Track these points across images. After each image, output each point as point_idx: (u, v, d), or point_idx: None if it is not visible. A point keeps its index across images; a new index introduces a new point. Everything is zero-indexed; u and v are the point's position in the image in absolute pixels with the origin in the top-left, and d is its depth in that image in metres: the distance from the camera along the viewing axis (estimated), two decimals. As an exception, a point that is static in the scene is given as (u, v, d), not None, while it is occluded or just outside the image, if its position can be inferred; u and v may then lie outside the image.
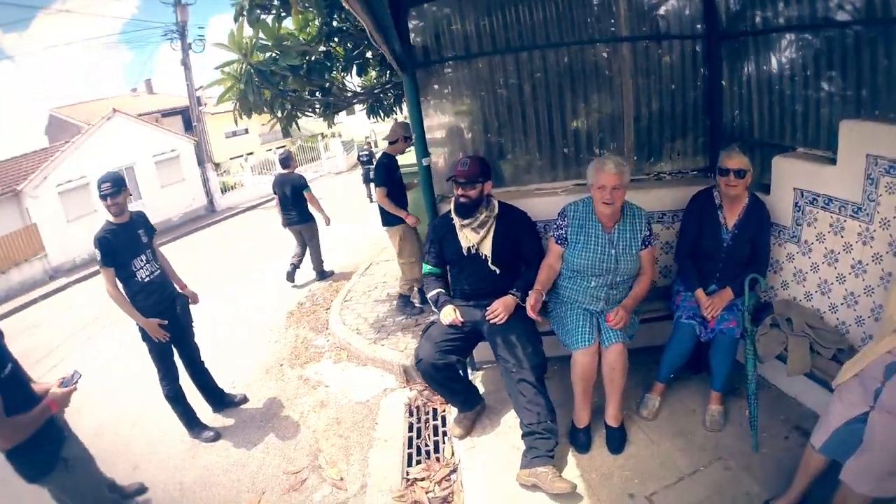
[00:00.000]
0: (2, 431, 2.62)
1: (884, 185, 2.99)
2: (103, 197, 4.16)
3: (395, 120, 7.48)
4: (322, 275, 8.85)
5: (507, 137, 4.60)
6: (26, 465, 2.86)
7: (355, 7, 2.96)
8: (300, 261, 8.80)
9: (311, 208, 8.40)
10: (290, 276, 8.76)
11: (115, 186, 4.16)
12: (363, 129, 28.40)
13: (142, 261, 4.34)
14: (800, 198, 3.55)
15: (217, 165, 24.61)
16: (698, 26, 4.28)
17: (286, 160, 8.69)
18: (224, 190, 23.56)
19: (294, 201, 8.32)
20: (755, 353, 3.40)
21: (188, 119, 26.39)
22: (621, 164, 3.35)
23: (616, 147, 4.59)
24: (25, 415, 2.72)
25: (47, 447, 2.91)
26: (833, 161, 3.29)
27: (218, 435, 4.71)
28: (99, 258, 4.16)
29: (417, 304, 6.33)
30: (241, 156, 28.78)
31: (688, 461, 3.37)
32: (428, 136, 4.37)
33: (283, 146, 27.66)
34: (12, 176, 17.94)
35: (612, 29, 4.35)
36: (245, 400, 5.23)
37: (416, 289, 6.31)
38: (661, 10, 4.30)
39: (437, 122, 4.57)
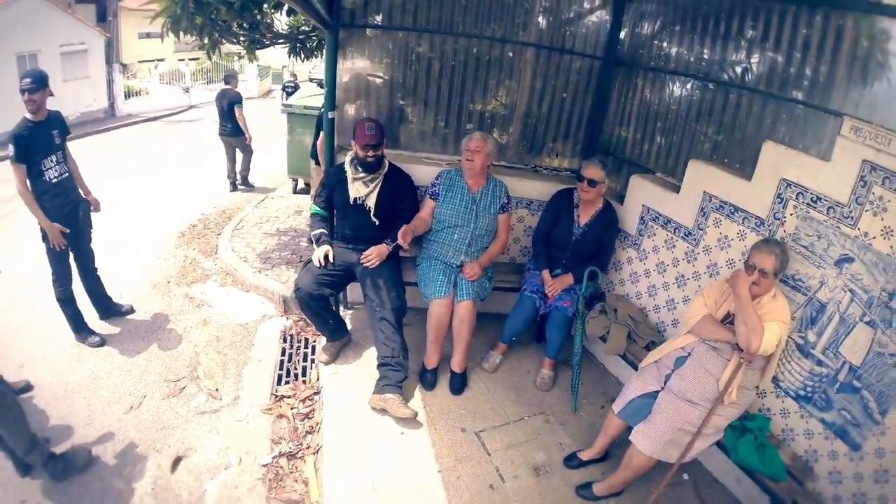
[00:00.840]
0: None
1: (712, 219, 3.70)
2: (22, 91, 4.16)
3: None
4: (246, 182, 9.73)
5: (410, 107, 5.03)
6: None
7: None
8: (233, 169, 9.88)
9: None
10: (234, 187, 9.90)
11: (36, 83, 4.17)
12: (280, 59, 26.84)
13: (52, 161, 4.36)
14: (646, 213, 4.26)
15: (125, 67, 22.50)
16: (598, 50, 4.85)
17: (229, 77, 10.00)
18: (128, 95, 21.68)
19: (230, 115, 9.48)
20: (583, 331, 4.11)
21: (103, 10, 23.68)
22: (486, 136, 4.10)
23: (503, 136, 5.15)
24: None
25: None
26: (677, 190, 3.98)
27: (104, 341, 4.86)
28: (12, 154, 4.14)
29: None
30: (152, 61, 26.74)
31: (515, 410, 4.05)
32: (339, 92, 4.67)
33: (197, 58, 26.25)
34: None
35: (523, 32, 4.82)
36: (132, 311, 5.39)
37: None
38: (571, 27, 4.83)
39: (351, 78, 4.87)
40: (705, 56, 4.21)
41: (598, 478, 3.45)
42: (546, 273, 4.22)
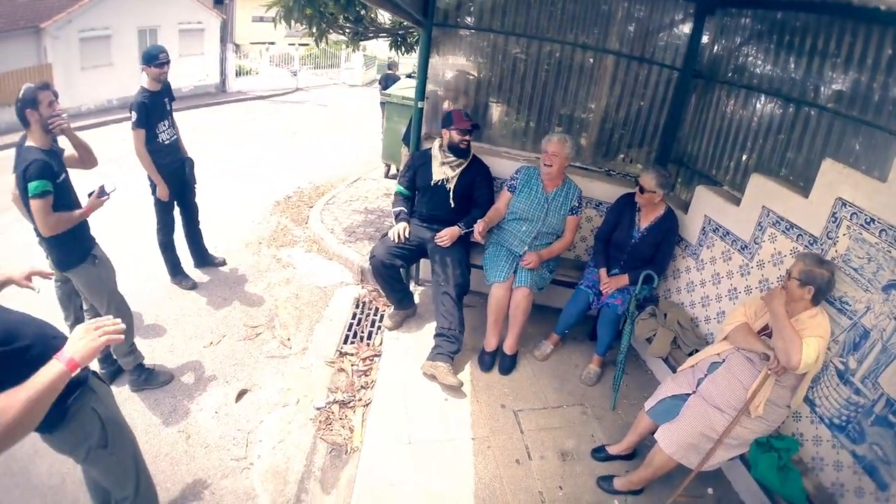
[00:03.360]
0: (47, 220, 3.20)
1: (768, 234, 3.64)
2: (160, 64, 4.62)
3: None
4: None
5: (496, 103, 5.20)
6: (65, 253, 3.45)
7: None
8: None
9: None
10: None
11: (168, 59, 4.69)
12: (386, 51, 27.48)
13: (164, 125, 4.81)
14: (707, 224, 4.23)
15: (237, 47, 23.50)
16: (677, 61, 4.83)
17: (392, 65, 12.17)
18: (239, 73, 22.75)
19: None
20: (631, 332, 4.14)
21: None
22: (565, 139, 4.12)
23: (579, 139, 5.21)
24: (67, 213, 3.32)
25: (82, 243, 3.52)
26: (738, 202, 3.94)
27: (196, 285, 5.33)
28: (135, 119, 4.57)
29: None
30: (263, 43, 27.74)
31: (556, 398, 4.15)
32: (429, 85, 4.89)
33: (306, 44, 27.07)
34: (36, 12, 16.91)
35: (605, 40, 4.86)
36: (224, 263, 5.85)
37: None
38: (652, 37, 4.83)
39: (442, 73, 5.09)
40: (779, 72, 4.15)
41: (622, 473, 3.48)
42: (603, 271, 4.28)
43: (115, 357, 3.89)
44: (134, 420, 3.68)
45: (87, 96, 15.89)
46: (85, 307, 3.84)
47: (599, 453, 3.66)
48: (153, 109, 4.68)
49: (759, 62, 4.34)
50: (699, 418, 3.07)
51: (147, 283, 5.26)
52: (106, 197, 3.52)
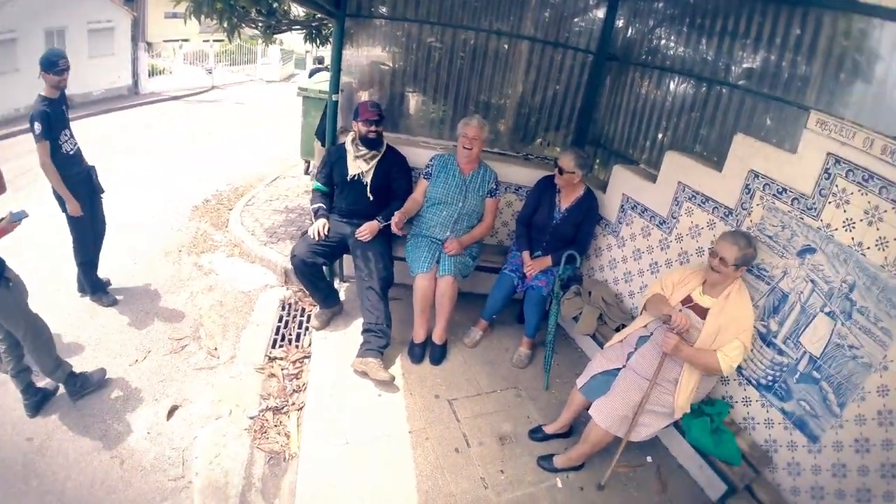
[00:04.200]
0: None
1: (685, 208, 3.75)
2: (59, 71, 4.21)
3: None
4: None
5: (412, 93, 5.14)
6: None
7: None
8: None
9: None
10: None
11: (68, 64, 4.29)
12: (302, 44, 26.64)
13: (66, 135, 4.42)
14: (625, 202, 4.32)
15: (150, 46, 22.45)
16: (591, 45, 4.87)
17: (320, 59, 12.27)
18: (151, 73, 21.67)
19: None
20: (558, 311, 4.17)
21: None
22: (483, 123, 4.15)
23: (496, 125, 5.21)
24: None
25: None
26: (655, 180, 4.02)
27: (115, 301, 5.00)
28: (39, 131, 4.17)
29: None
30: (177, 41, 26.72)
31: (489, 383, 4.15)
32: (344, 77, 4.78)
33: (221, 40, 26.27)
34: None
35: (519, 26, 4.86)
36: (109, 284, 5.25)
37: None
38: (566, 21, 4.87)
39: (356, 64, 4.99)
40: (691, 53, 4.27)
41: (561, 451, 3.51)
42: (526, 254, 4.30)
43: (38, 382, 3.71)
44: (66, 449, 3.49)
45: None
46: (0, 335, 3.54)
47: (537, 434, 3.68)
48: (55, 119, 4.30)
49: (672, 44, 4.46)
50: (631, 391, 3.13)
51: (65, 302, 4.94)
52: (17, 223, 3.27)
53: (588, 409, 3.30)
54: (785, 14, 3.48)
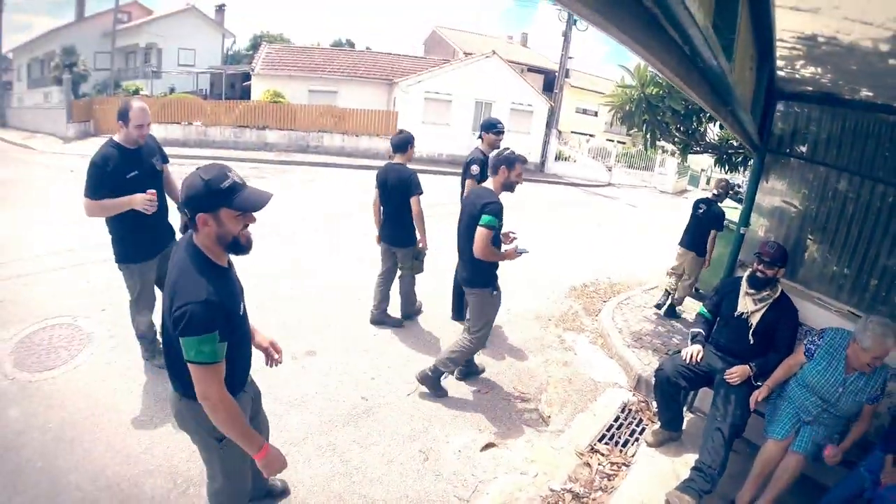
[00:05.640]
0: (487, 251, 4.23)
1: None
2: (499, 132, 5.48)
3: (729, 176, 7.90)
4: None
5: (817, 243, 4.69)
6: (483, 275, 4.46)
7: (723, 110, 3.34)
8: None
9: None
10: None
11: (503, 129, 5.54)
12: (700, 161, 25.98)
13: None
14: None
15: (559, 133, 25.42)
16: None
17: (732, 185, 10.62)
18: (557, 158, 24.39)
19: None
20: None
21: (549, 81, 27.44)
22: (892, 334, 3.45)
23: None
24: (498, 251, 4.43)
25: (494, 274, 4.58)
26: None
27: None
28: (476, 172, 5.34)
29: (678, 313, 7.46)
30: (584, 134, 29.01)
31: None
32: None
33: (623, 142, 27.98)
34: (390, 68, 23.06)
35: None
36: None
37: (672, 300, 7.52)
38: None
39: (767, 201, 4.81)
40: None
41: None
42: (891, 458, 3.56)
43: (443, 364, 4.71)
44: (385, 423, 4.31)
45: (425, 147, 19.28)
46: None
47: None
48: (484, 170, 5.28)
49: None
50: None
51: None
52: (519, 255, 4.44)
53: None
54: None
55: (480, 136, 5.65)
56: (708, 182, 19.39)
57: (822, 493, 3.91)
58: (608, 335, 6.56)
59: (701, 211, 7.26)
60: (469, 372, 5.00)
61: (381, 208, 5.52)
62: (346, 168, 17.82)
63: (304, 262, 7.93)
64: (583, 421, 4.87)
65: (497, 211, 4.18)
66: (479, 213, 4.17)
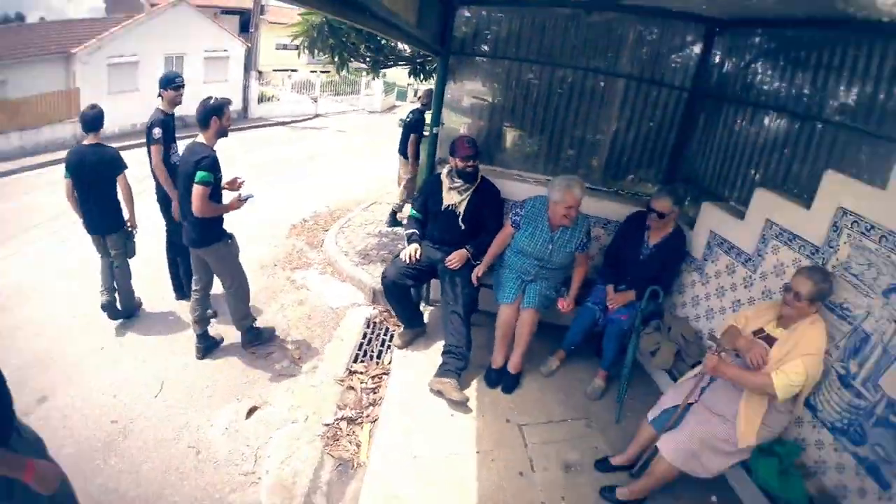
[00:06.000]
0: (206, 208, 3.96)
1: (771, 246, 3.61)
2: (177, 87, 4.77)
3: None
4: None
5: (509, 128, 5.19)
6: (212, 231, 4.23)
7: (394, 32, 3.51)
8: None
9: None
10: None
11: (183, 83, 4.85)
12: (405, 77, 27.01)
13: (173, 148, 4.89)
14: (712, 239, 4.17)
15: (260, 74, 23.99)
16: (686, 82, 4.79)
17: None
18: (261, 100, 23.05)
19: None
20: (636, 345, 4.05)
21: (245, 21, 25.24)
22: (582, 185, 3.97)
23: (590, 160, 5.18)
24: (219, 205, 4.18)
25: (222, 227, 4.35)
26: (742, 217, 3.88)
27: (215, 313, 5.14)
28: (159, 136, 4.66)
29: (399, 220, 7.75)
30: (286, 70, 28.00)
31: (561, 412, 4.08)
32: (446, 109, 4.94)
33: (327, 71, 27.22)
34: (67, 38, 17.72)
35: (616, 64, 4.83)
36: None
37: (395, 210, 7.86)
38: (662, 59, 4.81)
39: (456, 98, 5.10)
40: (786, 88, 4.10)
41: (625, 484, 3.39)
42: (610, 288, 4.20)
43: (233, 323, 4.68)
44: (146, 435, 3.74)
45: (113, 121, 15.77)
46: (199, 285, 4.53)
47: (602, 465, 3.59)
48: (169, 129, 4.80)
49: (767, 79, 4.31)
50: (701, 426, 3.04)
51: (156, 304, 5.29)
52: (244, 202, 4.29)
53: (656, 443, 3.20)
54: (879, 47, 3.32)
55: (160, 95, 4.87)
56: (415, 94, 20.01)
57: (564, 332, 4.46)
58: (336, 261, 6.55)
59: (409, 119, 7.53)
60: (208, 346, 4.61)
61: (77, 195, 4.65)
62: (29, 171, 13.66)
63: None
64: (333, 349, 4.86)
65: (211, 165, 3.96)
66: (194, 170, 3.93)
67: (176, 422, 3.87)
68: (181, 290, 5.36)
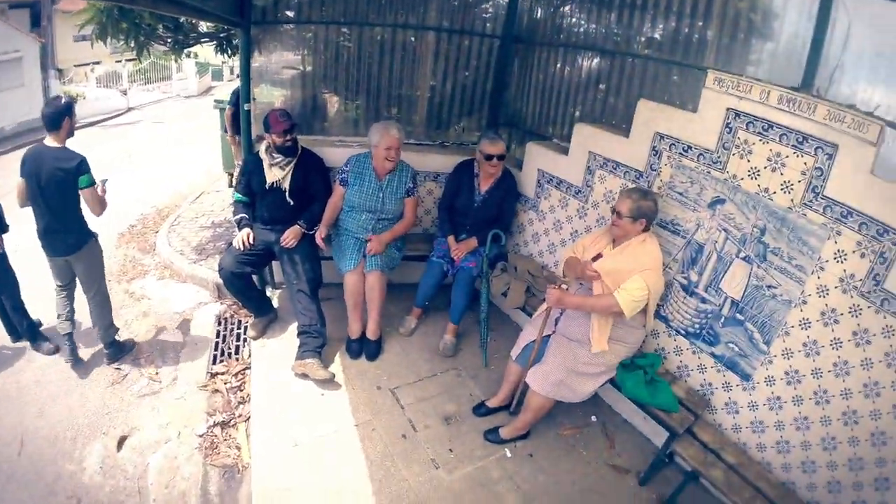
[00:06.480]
0: (104, 207, 4.15)
1: (598, 176, 3.87)
2: None
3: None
4: None
5: (324, 94, 5.06)
6: (84, 230, 4.12)
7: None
8: None
9: None
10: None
11: None
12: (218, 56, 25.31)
13: None
14: (541, 177, 4.40)
15: (60, 72, 21.06)
16: (496, 29, 4.92)
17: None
18: None
19: None
20: (488, 289, 4.20)
21: (37, 15, 22.20)
22: (399, 128, 4.05)
23: (411, 116, 5.21)
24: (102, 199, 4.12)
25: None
26: (567, 152, 4.07)
27: (56, 349, 4.57)
28: None
29: None
30: (88, 64, 25.25)
31: (428, 368, 4.21)
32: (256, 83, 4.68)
33: (134, 59, 24.95)
34: None
35: (423, 18, 4.83)
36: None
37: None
38: (469, 9, 4.89)
39: (267, 71, 4.85)
40: (595, 28, 4.37)
41: (506, 423, 3.58)
42: (451, 238, 4.34)
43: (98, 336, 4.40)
44: (20, 497, 3.33)
45: None
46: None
47: (480, 409, 3.75)
48: None
49: (576, 20, 4.56)
50: (562, 354, 3.21)
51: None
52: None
53: (525, 379, 3.36)
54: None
55: None
56: (232, 72, 18.43)
57: (415, 290, 4.51)
58: (172, 263, 6.16)
59: (234, 100, 7.00)
60: (114, 353, 4.45)
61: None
62: None
63: None
64: (189, 355, 4.62)
65: (88, 166, 3.98)
66: (74, 176, 3.85)
67: (47, 476, 3.46)
68: (15, 331, 4.69)
